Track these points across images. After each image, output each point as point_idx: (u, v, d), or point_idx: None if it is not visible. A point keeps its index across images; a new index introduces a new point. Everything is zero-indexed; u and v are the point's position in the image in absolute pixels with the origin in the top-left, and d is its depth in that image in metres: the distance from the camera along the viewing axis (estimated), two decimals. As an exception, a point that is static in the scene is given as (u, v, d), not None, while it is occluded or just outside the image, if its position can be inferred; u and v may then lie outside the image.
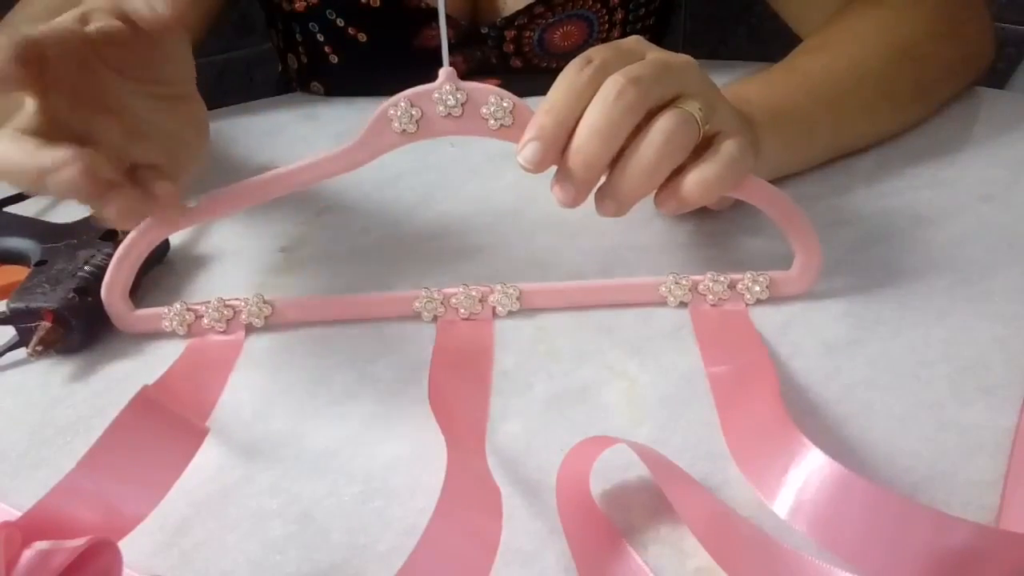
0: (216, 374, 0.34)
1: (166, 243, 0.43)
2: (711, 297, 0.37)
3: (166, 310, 0.36)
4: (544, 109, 0.33)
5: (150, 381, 0.34)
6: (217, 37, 0.65)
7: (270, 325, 0.37)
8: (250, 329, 0.37)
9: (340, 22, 0.63)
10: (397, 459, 0.30)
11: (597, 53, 0.34)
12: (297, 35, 0.66)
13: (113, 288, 0.36)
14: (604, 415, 0.31)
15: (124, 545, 0.24)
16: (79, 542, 0.22)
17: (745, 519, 0.26)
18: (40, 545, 0.22)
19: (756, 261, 0.38)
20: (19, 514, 0.27)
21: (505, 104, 0.34)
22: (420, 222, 0.46)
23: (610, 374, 0.33)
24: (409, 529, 0.27)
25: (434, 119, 0.34)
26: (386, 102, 0.34)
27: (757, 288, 0.37)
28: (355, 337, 0.36)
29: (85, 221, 0.41)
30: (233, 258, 0.43)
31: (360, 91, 0.67)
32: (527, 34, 0.64)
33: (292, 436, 0.31)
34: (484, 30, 0.64)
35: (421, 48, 0.63)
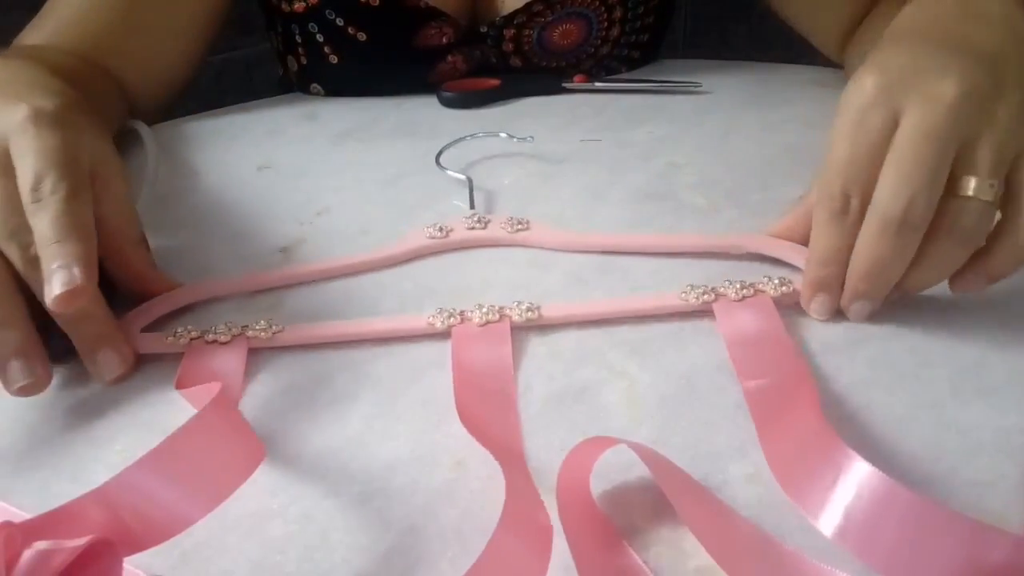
0: (229, 379, 0.34)
1: None
2: (733, 294, 0.36)
3: (174, 333, 0.36)
4: (818, 261, 0.34)
5: (150, 381, 0.34)
6: (217, 37, 0.65)
7: (275, 342, 0.36)
8: (254, 342, 0.36)
9: (340, 22, 0.63)
10: (397, 459, 0.30)
11: (843, 186, 0.32)
12: (296, 36, 0.66)
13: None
14: (604, 415, 0.31)
15: (124, 545, 0.24)
16: (79, 542, 0.22)
17: (746, 520, 0.26)
18: (40, 545, 0.22)
19: (756, 254, 0.38)
20: (24, 515, 0.27)
21: (519, 221, 0.43)
22: (420, 222, 0.46)
23: (610, 374, 0.33)
24: (409, 529, 0.27)
25: (459, 230, 0.43)
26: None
27: (777, 281, 0.36)
28: (355, 338, 0.36)
29: None
30: (233, 258, 0.43)
31: (360, 91, 0.67)
32: (526, 33, 0.64)
33: (292, 436, 0.31)
34: (483, 29, 0.64)
35: (421, 47, 0.63)
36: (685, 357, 0.34)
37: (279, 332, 0.36)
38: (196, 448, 0.26)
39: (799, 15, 0.64)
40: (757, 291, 0.36)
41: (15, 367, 0.31)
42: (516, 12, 0.63)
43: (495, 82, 0.63)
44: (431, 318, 0.36)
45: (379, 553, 0.26)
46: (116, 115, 0.57)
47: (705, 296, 0.36)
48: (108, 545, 0.23)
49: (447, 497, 0.28)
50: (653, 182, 0.49)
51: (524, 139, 0.53)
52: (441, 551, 0.26)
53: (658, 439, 0.30)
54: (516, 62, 0.66)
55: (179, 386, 0.33)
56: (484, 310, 0.36)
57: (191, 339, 0.35)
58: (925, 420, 0.30)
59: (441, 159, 0.51)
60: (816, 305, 0.34)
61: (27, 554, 0.22)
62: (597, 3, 0.64)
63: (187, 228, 0.47)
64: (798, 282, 0.36)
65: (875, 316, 0.35)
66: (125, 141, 0.58)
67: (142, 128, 0.58)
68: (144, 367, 0.35)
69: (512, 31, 0.64)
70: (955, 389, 0.32)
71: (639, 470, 0.27)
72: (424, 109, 0.62)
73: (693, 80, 0.64)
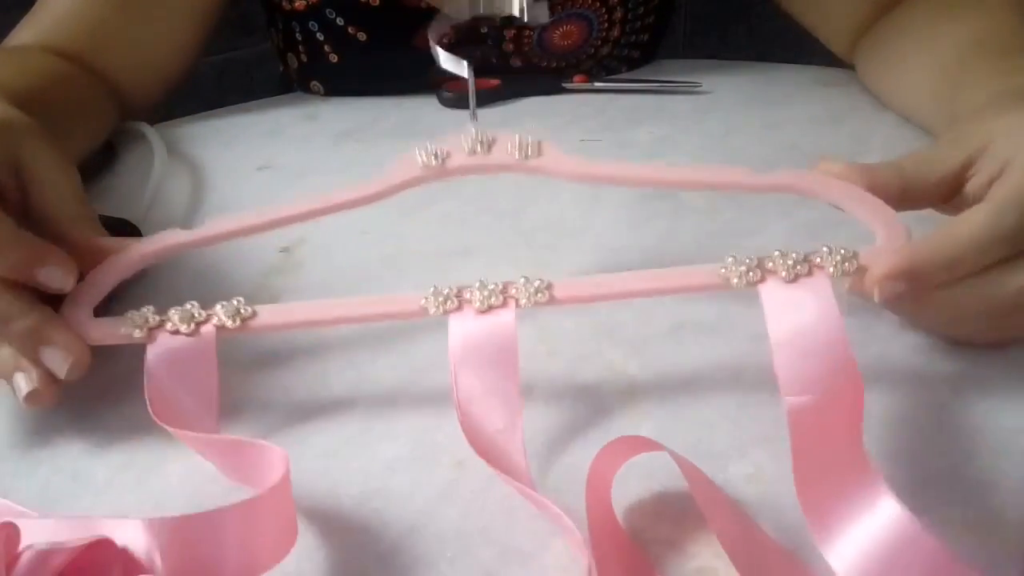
0: (201, 375, 0.31)
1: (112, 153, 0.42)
2: (784, 273, 0.29)
3: (129, 313, 0.31)
4: (947, 264, 0.29)
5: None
6: (217, 37, 0.65)
7: (246, 329, 0.31)
8: (224, 331, 0.31)
9: (340, 21, 0.63)
10: (397, 459, 0.30)
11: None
12: (297, 34, 0.66)
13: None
14: (604, 415, 0.31)
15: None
16: (79, 542, 0.22)
17: (777, 544, 0.26)
18: (40, 545, 0.22)
19: (759, 253, 0.38)
20: (28, 511, 0.27)
21: (529, 140, 0.34)
22: (420, 222, 0.46)
23: (610, 374, 0.33)
24: (409, 529, 0.27)
25: (457, 155, 0.35)
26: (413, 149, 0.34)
27: (838, 258, 0.29)
28: (354, 337, 0.36)
29: None
30: (233, 258, 0.43)
31: (360, 90, 0.67)
32: (527, 33, 0.64)
33: (292, 436, 0.31)
34: (484, 29, 0.64)
35: (421, 47, 0.63)
36: (685, 357, 0.34)
37: (249, 318, 0.31)
38: (246, 525, 0.25)
39: (806, 10, 0.64)
40: (814, 267, 0.29)
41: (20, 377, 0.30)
42: (516, 12, 0.63)
43: (495, 82, 0.63)
44: (424, 300, 0.30)
45: (379, 553, 0.26)
46: (100, 116, 0.56)
47: (750, 275, 0.29)
48: (108, 545, 0.23)
49: (447, 497, 0.28)
50: (653, 182, 0.49)
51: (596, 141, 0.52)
52: (441, 551, 0.26)
53: (658, 439, 0.30)
54: (516, 62, 0.66)
55: (154, 408, 0.29)
56: (486, 292, 0.30)
57: (149, 329, 0.31)
58: (925, 420, 0.30)
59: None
60: (890, 289, 0.29)
61: (27, 554, 0.22)
62: (597, 4, 0.64)
63: (187, 228, 0.47)
64: (865, 256, 0.30)
65: (875, 316, 0.35)
66: (131, 143, 0.58)
67: (148, 130, 0.58)
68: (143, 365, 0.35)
69: (512, 31, 0.64)
70: (955, 389, 0.32)
71: (639, 470, 0.27)
72: (424, 109, 0.62)
73: (693, 80, 0.64)
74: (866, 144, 0.53)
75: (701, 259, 0.41)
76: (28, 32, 0.56)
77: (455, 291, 0.30)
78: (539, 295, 0.30)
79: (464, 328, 0.30)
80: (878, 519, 0.24)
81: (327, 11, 0.63)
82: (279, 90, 0.75)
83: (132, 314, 0.31)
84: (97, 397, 0.34)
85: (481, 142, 0.34)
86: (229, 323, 0.31)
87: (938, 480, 0.28)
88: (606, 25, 0.65)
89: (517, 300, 0.30)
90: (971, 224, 0.29)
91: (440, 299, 0.30)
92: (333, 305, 0.32)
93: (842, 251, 0.29)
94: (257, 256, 0.43)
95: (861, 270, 0.29)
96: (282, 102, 0.69)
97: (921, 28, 0.53)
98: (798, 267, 0.29)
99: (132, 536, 0.23)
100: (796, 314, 0.28)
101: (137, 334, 0.31)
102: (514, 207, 0.47)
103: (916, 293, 0.30)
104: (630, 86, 0.64)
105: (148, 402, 0.29)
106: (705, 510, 0.25)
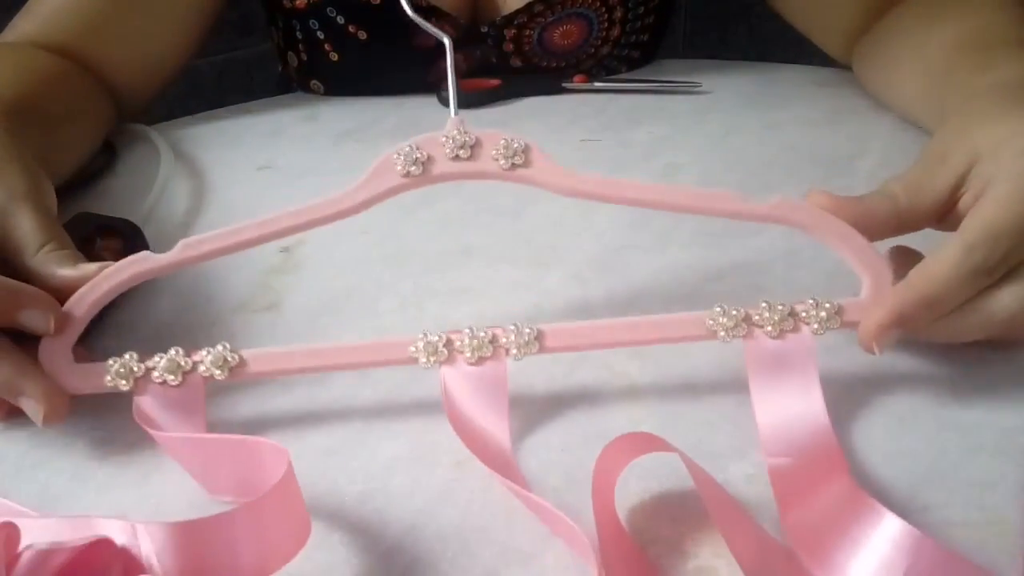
0: (191, 417, 0.30)
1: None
2: (770, 328, 0.30)
3: (110, 362, 0.30)
4: (928, 302, 0.30)
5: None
6: (217, 37, 0.65)
7: (235, 377, 0.31)
8: (211, 381, 0.31)
9: (340, 20, 0.63)
10: (397, 459, 0.30)
11: (1005, 253, 0.29)
12: (297, 33, 0.66)
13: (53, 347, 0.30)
14: (604, 415, 0.31)
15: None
16: (79, 542, 0.22)
17: (782, 545, 0.26)
18: (40, 545, 0.22)
19: (759, 254, 0.38)
20: (29, 512, 0.27)
21: (516, 145, 0.32)
22: (420, 222, 0.46)
23: (610, 374, 0.33)
24: (409, 529, 0.27)
25: (440, 161, 0.32)
26: (393, 150, 0.32)
27: (823, 315, 0.30)
28: (328, 369, 0.36)
29: None
30: (233, 258, 0.43)
31: (360, 90, 0.67)
32: (527, 33, 0.64)
33: (292, 436, 0.31)
34: (484, 29, 0.64)
35: (421, 47, 0.63)
36: (685, 357, 0.34)
37: (237, 366, 0.31)
38: (258, 523, 0.24)
39: (800, 13, 0.64)
40: (799, 322, 0.31)
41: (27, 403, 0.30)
42: (517, 12, 0.63)
43: (495, 82, 0.63)
44: (414, 350, 0.31)
45: (379, 553, 0.26)
46: (98, 117, 0.56)
47: (736, 329, 0.30)
48: (108, 545, 0.23)
49: (447, 497, 0.28)
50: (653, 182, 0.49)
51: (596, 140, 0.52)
52: (441, 551, 0.26)
53: (658, 439, 0.30)
54: (516, 62, 0.66)
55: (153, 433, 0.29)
56: (475, 342, 0.30)
57: (136, 379, 0.30)
58: (925, 420, 0.30)
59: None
60: (887, 341, 0.30)
61: (27, 554, 0.22)
62: (597, 3, 0.64)
63: (187, 229, 0.47)
64: (850, 309, 0.31)
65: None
66: (132, 143, 0.58)
67: (153, 135, 0.57)
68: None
69: (512, 31, 0.64)
70: (955, 389, 0.32)
71: (638, 469, 0.27)
72: (424, 109, 0.62)
73: (693, 80, 0.64)
74: (865, 145, 0.53)
75: (701, 260, 0.41)
76: (25, 25, 0.56)
77: (444, 340, 0.31)
78: (529, 346, 0.31)
79: (455, 380, 0.31)
80: (883, 538, 0.24)
81: (328, 10, 0.63)
82: (279, 90, 0.75)
83: (115, 363, 0.30)
84: (97, 397, 0.34)
85: (463, 145, 0.32)
86: (217, 373, 0.30)
87: (938, 480, 0.28)
88: (606, 25, 0.65)
89: (507, 349, 0.31)
90: (944, 263, 0.29)
91: (431, 349, 0.30)
92: (320, 352, 0.31)
93: (827, 306, 0.31)
94: (257, 256, 0.43)
95: (846, 323, 0.31)
96: (282, 102, 0.69)
97: (911, 31, 0.54)
98: (784, 323, 0.30)
99: (132, 538, 0.23)
100: (778, 374, 0.30)
101: (123, 385, 0.30)
102: (514, 207, 0.47)
103: (911, 332, 0.31)
104: (630, 86, 0.64)
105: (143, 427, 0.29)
106: (711, 509, 0.25)
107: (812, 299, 0.31)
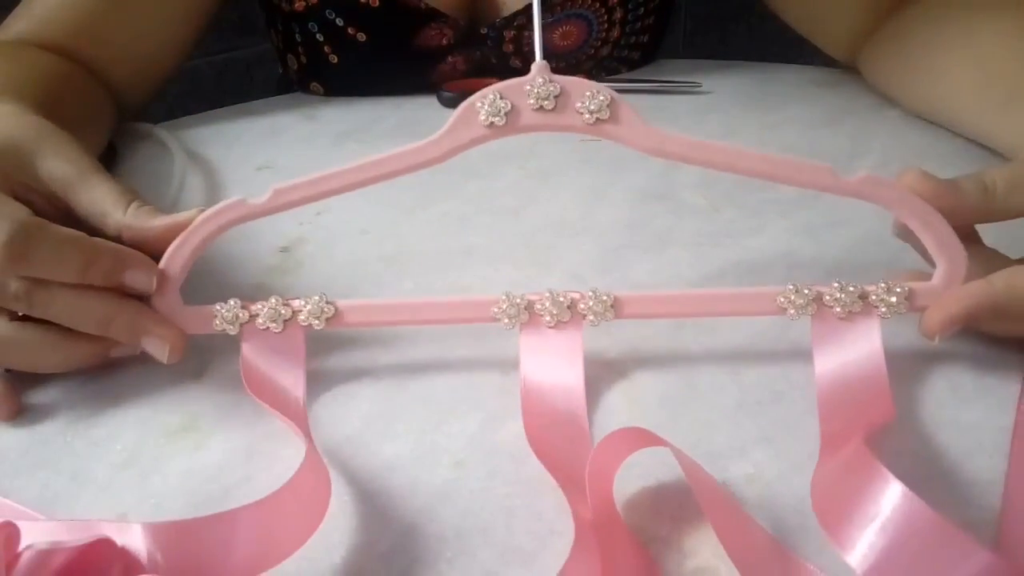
0: (290, 374, 0.32)
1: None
2: (839, 309, 0.31)
3: (218, 307, 0.33)
4: (1001, 311, 0.31)
5: (149, 381, 0.34)
6: (217, 37, 0.65)
7: (330, 329, 0.33)
8: (308, 331, 0.33)
9: (339, 22, 0.63)
10: (397, 459, 0.30)
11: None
12: (296, 35, 0.66)
13: (164, 282, 0.32)
14: (604, 415, 0.31)
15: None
16: (79, 542, 0.22)
17: (777, 542, 0.26)
18: (40, 545, 0.22)
19: (759, 254, 0.38)
20: (30, 512, 0.27)
21: (602, 98, 0.31)
22: (420, 222, 0.46)
23: (610, 374, 0.33)
24: (409, 529, 0.27)
25: (524, 112, 0.31)
26: (474, 95, 0.32)
27: (893, 299, 0.31)
28: (354, 337, 0.36)
29: None
30: (233, 258, 0.43)
31: (360, 91, 0.67)
32: (526, 34, 0.64)
33: (292, 436, 0.31)
34: (483, 30, 0.64)
35: (421, 48, 0.63)
36: (685, 357, 0.34)
37: (334, 317, 0.33)
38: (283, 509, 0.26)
39: (800, 15, 0.64)
40: (868, 305, 0.31)
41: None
42: (516, 13, 0.63)
43: (495, 82, 0.63)
44: (497, 310, 0.32)
45: (379, 553, 0.26)
46: (104, 117, 0.56)
47: (807, 308, 0.31)
48: (108, 545, 0.23)
49: (447, 497, 0.28)
50: (653, 182, 0.49)
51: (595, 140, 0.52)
52: (441, 551, 0.26)
53: (658, 439, 0.30)
54: (516, 63, 0.66)
55: (252, 390, 0.31)
56: (556, 310, 0.32)
57: (241, 324, 0.32)
58: (925, 420, 0.30)
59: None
60: (951, 333, 0.31)
61: (27, 554, 0.22)
62: (597, 4, 0.64)
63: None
64: (921, 295, 0.31)
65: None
66: (133, 143, 0.58)
67: (164, 133, 0.57)
68: (144, 366, 0.35)
69: (512, 32, 0.64)
70: (955, 389, 0.32)
71: (638, 469, 0.27)
72: (424, 109, 0.62)
73: (693, 80, 0.64)
74: (865, 145, 0.53)
75: (701, 260, 0.41)
76: (21, 23, 0.55)
77: (525, 302, 0.32)
78: (606, 313, 0.32)
79: (534, 343, 0.32)
80: (885, 501, 0.24)
81: (327, 12, 0.63)
82: (278, 90, 0.75)
83: (222, 307, 0.32)
84: (97, 397, 0.34)
85: (547, 96, 0.32)
86: (316, 323, 0.32)
87: (938, 480, 0.28)
88: (606, 26, 0.65)
89: (584, 315, 0.32)
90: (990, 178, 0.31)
91: (513, 311, 0.32)
92: (409, 306, 0.33)
93: (898, 290, 0.31)
94: (257, 256, 0.43)
95: (915, 308, 0.31)
96: (282, 102, 0.69)
97: (948, 20, 0.53)
98: (853, 305, 0.31)
99: (132, 538, 0.23)
100: (843, 353, 0.31)
101: (231, 330, 0.32)
102: (514, 207, 0.47)
103: (974, 327, 0.32)
104: (630, 86, 0.64)
105: (245, 383, 0.31)
106: (705, 507, 0.25)
107: (883, 283, 0.31)
